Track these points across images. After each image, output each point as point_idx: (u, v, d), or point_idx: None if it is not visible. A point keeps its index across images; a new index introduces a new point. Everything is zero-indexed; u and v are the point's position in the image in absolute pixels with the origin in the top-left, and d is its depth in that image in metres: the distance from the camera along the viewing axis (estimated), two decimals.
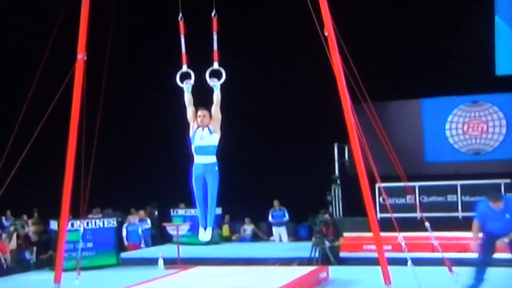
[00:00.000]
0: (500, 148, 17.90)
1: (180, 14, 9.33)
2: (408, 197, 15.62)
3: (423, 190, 15.90)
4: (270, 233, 18.57)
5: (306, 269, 11.70)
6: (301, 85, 18.72)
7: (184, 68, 9.11)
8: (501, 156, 17.80)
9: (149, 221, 17.11)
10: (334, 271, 12.23)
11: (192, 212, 16.60)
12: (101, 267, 13.71)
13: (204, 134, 8.39)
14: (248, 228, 18.46)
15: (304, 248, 15.05)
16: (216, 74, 8.72)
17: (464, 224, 14.50)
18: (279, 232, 17.93)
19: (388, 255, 12.57)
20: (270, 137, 19.59)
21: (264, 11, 18.60)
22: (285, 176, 18.65)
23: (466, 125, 18.38)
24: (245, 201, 18.33)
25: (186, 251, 14.81)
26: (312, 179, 17.98)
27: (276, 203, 17.96)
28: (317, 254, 13.27)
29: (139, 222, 16.70)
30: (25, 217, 18.25)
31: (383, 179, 16.17)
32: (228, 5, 9.98)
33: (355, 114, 19.46)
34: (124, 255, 15.25)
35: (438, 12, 17.76)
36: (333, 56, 8.90)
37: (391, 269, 8.98)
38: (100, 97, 10.29)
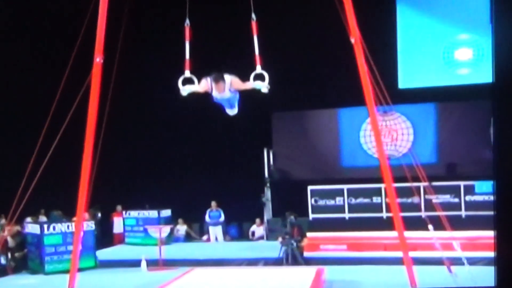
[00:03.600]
0: (408, 154, 19.54)
1: (187, 20, 9.99)
2: (338, 199, 16.99)
3: (351, 192, 17.18)
4: (202, 233, 19.22)
5: (311, 271, 12.27)
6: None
7: (187, 73, 9.85)
8: (409, 161, 19.45)
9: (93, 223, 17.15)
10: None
11: (145, 214, 16.97)
12: (80, 270, 13.75)
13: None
14: (181, 228, 19.01)
15: (251, 248, 15.95)
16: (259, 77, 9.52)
17: (388, 224, 16.08)
18: (216, 232, 18.65)
19: (343, 254, 13.91)
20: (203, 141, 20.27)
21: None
22: (217, 178, 19.32)
23: None
24: (177, 202, 18.82)
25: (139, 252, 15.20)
26: (244, 181, 18.82)
27: (213, 204, 18.78)
28: (281, 254, 14.04)
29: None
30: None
31: (312, 183, 17.57)
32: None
33: (279, 122, 20.68)
34: (101, 257, 15.38)
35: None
36: (360, 62, 9.79)
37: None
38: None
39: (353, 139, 20.14)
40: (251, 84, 9.79)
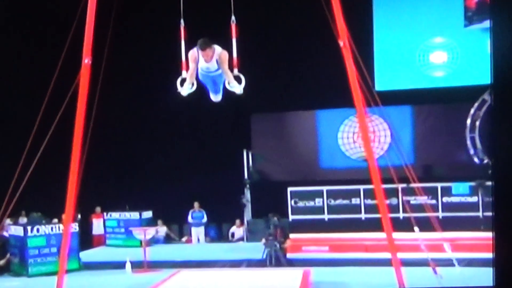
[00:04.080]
0: (385, 155, 19.77)
1: (182, 20, 9.98)
2: (317, 200, 17.12)
3: (330, 194, 17.37)
4: (181, 234, 19.22)
5: (298, 272, 12.43)
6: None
7: (184, 74, 9.81)
8: (386, 162, 19.67)
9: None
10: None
11: (126, 215, 16.93)
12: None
13: None
14: (161, 230, 18.96)
15: (233, 249, 16.02)
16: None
17: (367, 225, 16.28)
18: (198, 233, 18.67)
19: (326, 256, 14.01)
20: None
21: None
22: (197, 179, 19.33)
23: (356, 134, 20.21)
24: (156, 203, 18.79)
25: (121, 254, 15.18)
26: (224, 183, 18.88)
27: (196, 204, 18.79)
28: (264, 256, 14.12)
29: None
30: None
31: (291, 184, 17.68)
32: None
33: (258, 124, 20.73)
34: (84, 259, 15.29)
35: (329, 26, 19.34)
36: (348, 64, 9.87)
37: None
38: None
39: (331, 140, 20.34)
40: (228, 79, 9.67)
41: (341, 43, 10.00)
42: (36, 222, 15.28)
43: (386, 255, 13.66)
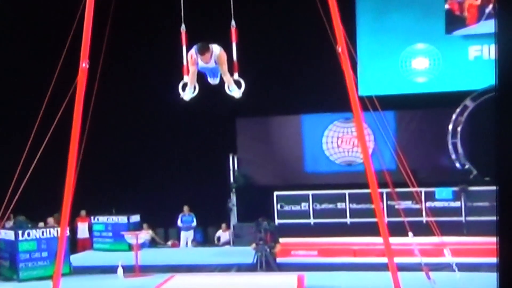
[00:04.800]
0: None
1: (183, 25, 10.04)
2: (303, 204, 17.24)
3: (316, 198, 17.50)
4: (167, 238, 19.24)
5: (293, 277, 12.46)
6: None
7: (186, 78, 9.86)
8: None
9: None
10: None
11: (114, 219, 16.90)
12: None
13: None
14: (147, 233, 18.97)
15: (221, 254, 16.06)
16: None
17: (352, 230, 16.44)
18: (187, 236, 18.70)
19: (315, 260, 14.06)
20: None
21: None
22: (182, 184, 19.38)
23: (340, 139, 20.45)
24: (142, 207, 18.80)
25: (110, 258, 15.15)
26: (209, 187, 18.94)
27: (186, 208, 18.81)
28: (255, 260, 14.16)
29: None
30: None
31: (276, 188, 17.76)
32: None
33: (243, 128, 20.81)
34: (74, 263, 15.18)
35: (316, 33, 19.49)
36: (346, 70, 9.95)
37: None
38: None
39: (316, 145, 20.55)
40: (228, 83, 9.77)
41: (339, 49, 10.12)
42: (21, 226, 15.18)
43: (376, 259, 13.99)
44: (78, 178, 18.03)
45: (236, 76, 9.80)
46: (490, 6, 19.10)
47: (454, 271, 12.22)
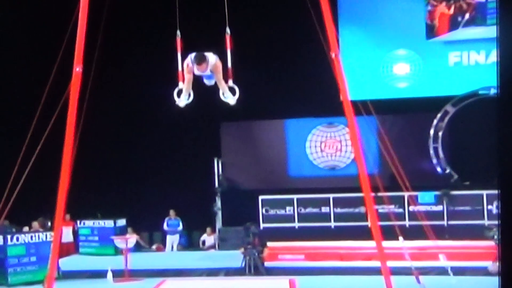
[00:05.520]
0: (351, 164, 20.12)
1: (178, 32, 10.10)
2: (288, 208, 17.35)
3: (300, 202, 17.67)
4: (151, 242, 19.23)
5: (284, 282, 12.60)
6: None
7: (181, 85, 9.92)
8: (352, 171, 20.05)
9: None
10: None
11: (100, 223, 16.85)
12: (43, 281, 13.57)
13: None
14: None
15: (207, 258, 16.09)
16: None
17: (336, 233, 16.58)
18: (173, 240, 18.72)
19: (302, 264, 14.13)
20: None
21: None
22: (167, 188, 19.37)
23: (324, 144, 20.57)
24: (126, 211, 18.78)
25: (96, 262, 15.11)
26: (194, 191, 18.98)
27: (172, 212, 18.83)
28: (243, 264, 14.22)
29: None
30: None
31: (261, 192, 17.85)
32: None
33: (227, 132, 20.88)
34: (64, 268, 15.00)
35: (301, 39, 19.60)
36: (339, 75, 10.05)
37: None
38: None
39: (299, 149, 20.65)
40: (223, 90, 9.86)
41: (332, 55, 10.24)
42: (6, 230, 15.06)
43: (363, 263, 14.14)
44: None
45: (230, 82, 9.88)
46: (467, 15, 19.38)
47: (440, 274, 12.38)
